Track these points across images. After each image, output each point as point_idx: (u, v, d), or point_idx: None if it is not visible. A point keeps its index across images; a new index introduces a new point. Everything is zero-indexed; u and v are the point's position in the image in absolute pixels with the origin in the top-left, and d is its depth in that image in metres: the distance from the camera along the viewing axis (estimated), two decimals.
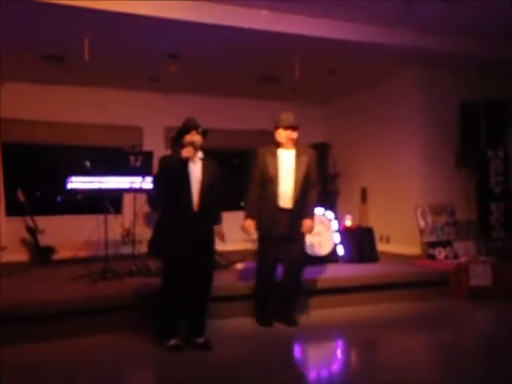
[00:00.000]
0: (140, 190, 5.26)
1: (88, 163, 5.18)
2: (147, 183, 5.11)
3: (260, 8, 4.95)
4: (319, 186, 4.21)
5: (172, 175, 3.57)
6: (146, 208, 6.61)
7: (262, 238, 4.12)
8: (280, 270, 4.17)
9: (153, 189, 3.77)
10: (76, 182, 4.93)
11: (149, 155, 5.44)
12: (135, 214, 5.79)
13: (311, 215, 4.12)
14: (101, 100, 7.07)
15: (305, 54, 5.70)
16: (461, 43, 5.82)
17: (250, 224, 4.05)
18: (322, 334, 4.05)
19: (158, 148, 6.96)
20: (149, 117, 7.27)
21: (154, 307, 3.74)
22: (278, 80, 6.78)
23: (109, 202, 5.30)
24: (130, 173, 5.11)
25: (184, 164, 3.54)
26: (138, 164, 5.25)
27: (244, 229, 4.08)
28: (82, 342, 3.75)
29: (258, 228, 4.09)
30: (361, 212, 7.33)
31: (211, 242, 3.68)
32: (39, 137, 6.77)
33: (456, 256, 5.69)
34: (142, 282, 4.56)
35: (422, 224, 5.98)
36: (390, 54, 5.94)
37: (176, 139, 3.74)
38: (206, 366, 3.32)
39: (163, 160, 3.67)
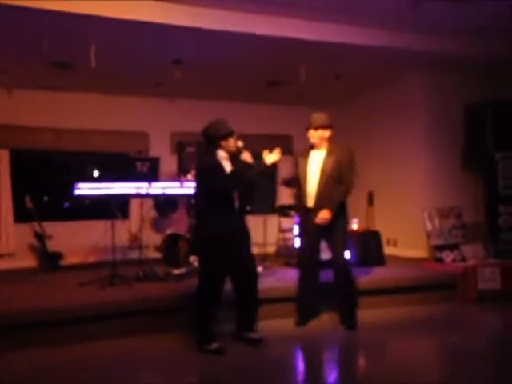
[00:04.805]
0: (147, 196, 5.29)
1: (95, 169, 5.21)
2: (154, 188, 5.13)
3: (264, 13, 4.98)
4: (348, 185, 4.12)
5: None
6: (153, 213, 6.65)
7: (299, 239, 4.32)
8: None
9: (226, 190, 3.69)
10: (83, 188, 4.95)
11: (155, 161, 5.48)
12: (142, 220, 5.81)
13: (330, 207, 4.01)
14: (107, 106, 7.11)
15: (310, 59, 5.71)
16: (466, 45, 5.80)
17: None
18: (329, 337, 4.04)
19: (165, 153, 7.02)
20: (155, 122, 7.31)
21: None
22: (284, 84, 6.79)
23: (116, 207, 5.32)
24: (137, 178, 5.14)
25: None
26: (145, 169, 5.29)
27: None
28: (94, 346, 3.76)
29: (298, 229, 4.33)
30: (367, 215, 7.32)
31: (249, 238, 3.79)
32: (46, 143, 6.82)
33: (464, 259, 5.66)
34: (149, 287, 4.59)
35: (429, 227, 5.96)
36: (395, 57, 5.93)
37: (213, 141, 3.66)
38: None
39: (217, 165, 3.62)
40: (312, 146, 4.22)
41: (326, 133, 4.16)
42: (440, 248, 5.86)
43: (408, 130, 6.76)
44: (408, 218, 6.54)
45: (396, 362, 3.50)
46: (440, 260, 5.76)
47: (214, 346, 3.57)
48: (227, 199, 3.63)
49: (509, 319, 4.70)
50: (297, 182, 4.26)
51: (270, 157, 3.66)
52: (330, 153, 4.15)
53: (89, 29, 4.71)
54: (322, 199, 4.04)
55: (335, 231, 4.09)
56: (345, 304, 4.19)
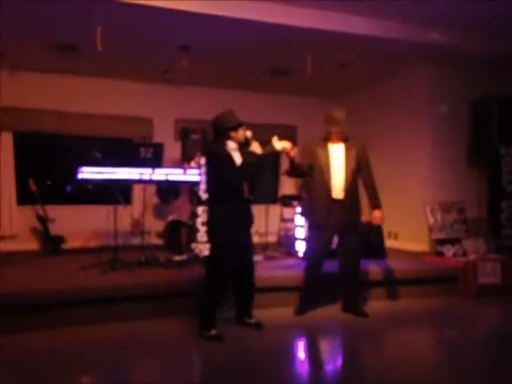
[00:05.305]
0: (150, 182, 5.29)
1: (98, 154, 5.22)
2: (157, 175, 5.13)
3: (271, 1, 4.94)
4: (373, 178, 4.29)
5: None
6: (156, 199, 6.66)
7: (315, 228, 4.22)
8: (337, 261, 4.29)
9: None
10: (86, 173, 4.95)
11: (159, 147, 5.47)
12: (145, 205, 5.82)
13: (379, 205, 4.22)
14: (112, 91, 7.09)
15: (316, 48, 5.67)
16: (473, 40, 5.77)
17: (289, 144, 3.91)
18: (326, 328, 4.06)
19: (169, 140, 7.01)
20: (159, 108, 7.29)
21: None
22: (290, 73, 6.75)
23: (119, 192, 5.33)
24: (141, 164, 5.13)
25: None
26: (149, 155, 5.28)
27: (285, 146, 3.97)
28: (93, 330, 3.79)
29: (311, 218, 4.28)
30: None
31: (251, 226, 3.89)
32: (50, 127, 6.82)
33: (465, 253, 5.66)
34: (150, 273, 4.61)
35: (431, 221, 5.95)
36: (402, 49, 5.89)
37: (223, 132, 3.68)
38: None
39: (227, 157, 3.65)
40: (326, 138, 4.22)
41: (342, 128, 4.20)
42: (441, 242, 5.85)
43: (413, 123, 6.73)
44: (410, 211, 6.53)
45: (393, 355, 3.50)
46: (441, 254, 5.76)
47: (213, 332, 3.61)
48: (236, 189, 3.68)
49: (508, 314, 4.71)
50: (310, 171, 4.21)
51: (281, 143, 3.70)
52: (349, 147, 4.21)
53: (96, 11, 4.67)
54: (350, 191, 4.14)
55: (355, 223, 4.17)
56: (355, 292, 4.30)
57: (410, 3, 4.88)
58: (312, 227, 4.28)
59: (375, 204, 4.23)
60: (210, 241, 3.80)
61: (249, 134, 3.72)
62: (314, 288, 4.29)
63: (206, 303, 3.66)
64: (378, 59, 6.26)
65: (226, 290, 3.75)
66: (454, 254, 5.72)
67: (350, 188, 4.15)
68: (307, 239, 4.36)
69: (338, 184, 4.13)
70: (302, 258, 4.42)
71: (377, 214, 4.22)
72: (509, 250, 5.72)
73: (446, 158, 6.52)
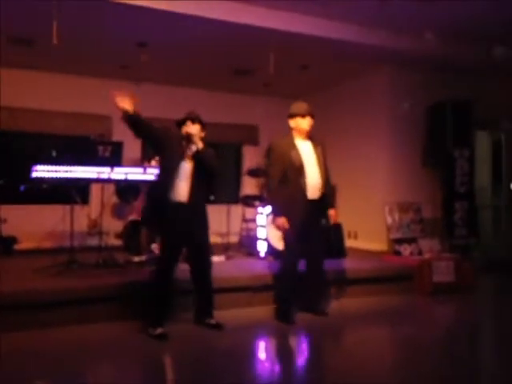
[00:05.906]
0: (108, 181, 5.15)
1: (54, 151, 5.04)
2: (116, 173, 5.00)
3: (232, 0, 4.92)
4: (330, 177, 4.28)
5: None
6: (115, 199, 6.50)
7: (291, 231, 4.01)
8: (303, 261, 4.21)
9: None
10: (41, 171, 4.76)
11: (118, 145, 5.34)
12: (103, 205, 5.67)
13: (334, 205, 4.29)
14: (70, 87, 6.88)
15: (278, 49, 5.69)
16: (431, 45, 5.93)
17: (284, 221, 3.96)
18: (286, 329, 4.07)
19: (128, 138, 6.82)
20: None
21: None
22: (251, 73, 6.76)
23: (75, 192, 5.16)
24: (99, 163, 4.99)
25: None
26: (107, 154, 5.14)
27: (279, 227, 4.01)
28: (48, 333, 3.66)
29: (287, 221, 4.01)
30: None
31: (204, 220, 3.81)
32: (3, 123, 6.53)
33: (420, 252, 5.83)
34: (108, 274, 4.49)
35: (390, 221, 6.10)
36: (362, 53, 6.00)
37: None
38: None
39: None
40: (292, 135, 4.13)
41: (312, 120, 4.13)
42: (399, 241, 6.01)
43: (371, 125, 6.87)
44: (369, 211, 6.66)
45: (352, 354, 3.53)
46: (398, 253, 5.91)
47: (159, 331, 3.58)
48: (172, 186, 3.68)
49: (462, 311, 4.88)
50: (281, 175, 4.01)
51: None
52: (315, 144, 4.18)
53: (51, 4, 4.51)
54: (324, 190, 4.10)
55: (320, 224, 4.19)
56: (318, 291, 4.34)
57: (372, 7, 4.97)
58: (287, 230, 4.02)
59: (332, 204, 4.28)
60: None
61: (191, 129, 3.74)
62: (294, 291, 4.14)
63: (150, 301, 3.65)
64: (338, 61, 6.35)
65: (168, 289, 3.68)
66: (411, 253, 5.87)
67: (324, 187, 4.10)
68: (284, 243, 4.11)
69: (314, 184, 4.03)
70: (279, 262, 4.28)
71: (333, 212, 4.22)
72: (462, 249, 5.94)
73: (403, 160, 6.68)
